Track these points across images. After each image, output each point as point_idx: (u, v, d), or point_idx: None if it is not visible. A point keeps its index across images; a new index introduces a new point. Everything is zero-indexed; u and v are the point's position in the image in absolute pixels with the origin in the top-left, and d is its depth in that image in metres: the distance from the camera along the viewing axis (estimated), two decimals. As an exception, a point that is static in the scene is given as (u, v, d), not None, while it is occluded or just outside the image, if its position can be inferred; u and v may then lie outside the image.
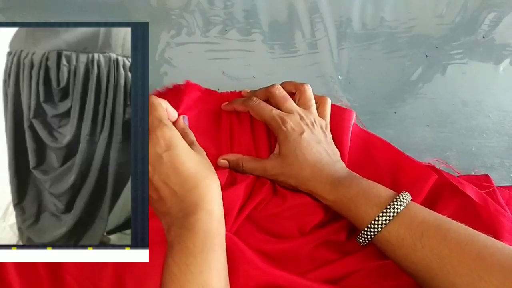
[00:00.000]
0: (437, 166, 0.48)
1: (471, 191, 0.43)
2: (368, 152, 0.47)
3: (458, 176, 0.48)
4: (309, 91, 0.45)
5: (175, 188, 0.35)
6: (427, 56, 0.53)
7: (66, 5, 0.49)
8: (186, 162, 0.36)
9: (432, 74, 0.53)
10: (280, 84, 0.46)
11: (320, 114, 0.46)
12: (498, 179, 0.50)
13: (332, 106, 0.47)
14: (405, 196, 0.37)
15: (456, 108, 0.52)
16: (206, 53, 0.51)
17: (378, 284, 0.39)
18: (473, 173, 0.51)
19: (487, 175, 0.47)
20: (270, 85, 0.45)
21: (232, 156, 0.45)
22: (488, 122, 0.53)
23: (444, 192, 0.45)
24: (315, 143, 0.42)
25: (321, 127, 0.44)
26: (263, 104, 0.44)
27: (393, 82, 0.52)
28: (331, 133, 0.45)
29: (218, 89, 0.50)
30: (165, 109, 0.39)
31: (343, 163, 0.43)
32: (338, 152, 0.44)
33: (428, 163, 0.48)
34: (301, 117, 0.43)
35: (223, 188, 0.43)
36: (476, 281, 0.32)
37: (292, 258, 0.41)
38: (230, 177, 0.44)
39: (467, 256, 0.33)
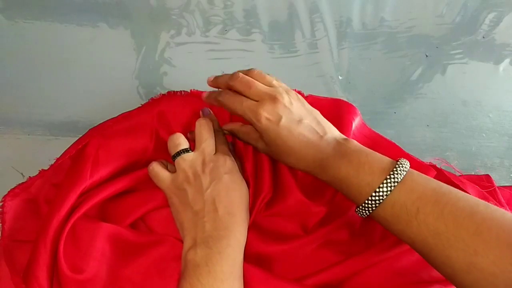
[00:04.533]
0: (438, 165, 0.48)
1: (472, 190, 0.43)
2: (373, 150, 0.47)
3: (459, 176, 0.48)
4: (258, 70, 0.42)
5: (219, 206, 0.38)
6: (427, 56, 0.53)
7: (66, 5, 0.49)
8: (238, 190, 0.40)
9: (432, 74, 0.53)
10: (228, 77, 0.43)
11: (268, 85, 0.42)
12: (498, 179, 0.50)
13: (334, 99, 0.47)
14: (400, 168, 0.35)
15: (456, 108, 0.52)
16: (206, 53, 0.51)
17: (382, 284, 0.39)
18: (473, 173, 0.51)
19: (488, 175, 0.47)
20: (230, 76, 0.42)
21: (233, 124, 0.45)
22: (488, 122, 0.52)
23: None
24: (295, 125, 0.39)
25: (297, 96, 0.42)
26: (233, 97, 0.41)
27: (393, 82, 0.52)
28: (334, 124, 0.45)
29: (218, 89, 0.50)
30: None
31: (331, 130, 0.40)
32: (320, 115, 0.42)
33: (430, 162, 0.48)
34: (274, 102, 0.40)
35: None
36: (472, 256, 0.31)
37: (294, 259, 0.41)
38: None
39: (464, 232, 0.32)
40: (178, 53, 0.50)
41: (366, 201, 0.35)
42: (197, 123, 0.42)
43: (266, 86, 0.41)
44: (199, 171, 0.40)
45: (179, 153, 0.41)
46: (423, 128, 0.52)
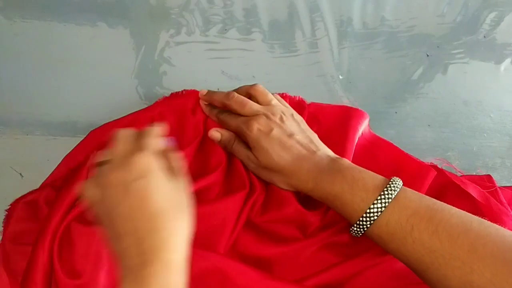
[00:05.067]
0: (439, 166, 0.47)
1: (473, 191, 0.43)
2: (372, 153, 0.47)
3: (461, 176, 0.48)
4: (261, 87, 0.44)
5: (139, 224, 0.31)
6: (428, 55, 0.52)
7: (65, 4, 0.49)
8: (155, 195, 0.32)
9: (433, 74, 0.52)
10: (231, 91, 0.45)
11: (267, 103, 0.43)
12: (500, 179, 0.50)
13: (346, 107, 0.48)
14: (394, 185, 0.35)
15: (457, 107, 0.52)
16: (206, 52, 0.50)
17: (383, 285, 0.39)
18: (474, 173, 0.50)
19: (489, 175, 0.47)
20: (225, 95, 0.43)
21: (227, 133, 0.44)
22: (489, 122, 0.52)
23: (446, 192, 0.45)
24: (286, 138, 0.40)
25: (292, 116, 0.43)
26: (228, 116, 0.43)
27: (394, 81, 0.52)
28: (335, 132, 0.45)
29: (218, 89, 0.50)
30: (155, 136, 0.35)
31: (323, 148, 0.41)
32: (316, 136, 0.43)
33: (431, 162, 0.48)
34: (267, 116, 0.41)
35: (219, 197, 0.43)
36: (469, 274, 0.31)
37: (294, 262, 0.41)
38: (226, 184, 0.44)
39: (459, 249, 0.31)
40: (177, 53, 0.50)
41: (361, 218, 0.35)
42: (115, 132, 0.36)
43: (260, 105, 0.42)
44: (104, 187, 0.32)
45: (97, 166, 0.35)
46: (424, 128, 0.51)
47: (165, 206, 0.32)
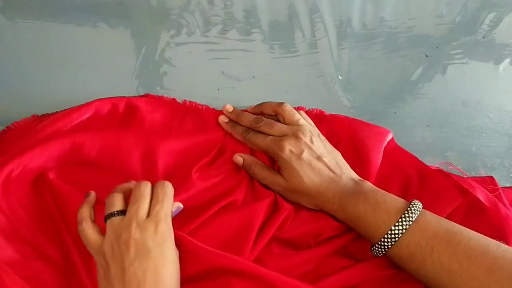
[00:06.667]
0: (445, 169, 0.47)
1: (481, 194, 0.43)
2: (395, 162, 0.46)
3: (466, 178, 0.48)
4: (289, 107, 0.44)
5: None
6: (427, 56, 0.53)
7: (66, 5, 0.49)
8: (168, 265, 0.34)
9: (432, 74, 0.52)
10: (257, 106, 0.46)
11: (294, 123, 0.44)
12: (499, 179, 0.49)
13: (366, 123, 0.47)
14: (414, 208, 0.37)
15: (456, 108, 0.52)
16: (206, 53, 0.50)
17: None
18: (473, 174, 0.51)
19: (491, 177, 0.47)
20: (255, 120, 0.44)
21: (248, 157, 0.44)
22: (488, 122, 0.52)
23: None
24: (316, 161, 0.41)
25: (319, 136, 0.44)
26: (255, 136, 0.44)
27: (393, 82, 0.52)
28: (359, 149, 0.45)
29: (218, 89, 0.50)
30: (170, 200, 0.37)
31: (348, 171, 0.42)
32: (339, 156, 0.43)
33: (437, 167, 0.48)
34: (296, 137, 0.42)
35: (244, 203, 0.43)
36: None
37: (307, 266, 0.41)
38: (251, 193, 0.44)
39: (477, 270, 0.33)
40: (178, 53, 0.50)
41: (382, 239, 0.37)
42: (135, 184, 0.38)
43: (287, 126, 0.43)
44: (123, 241, 0.34)
45: (110, 216, 0.36)
46: (423, 128, 0.52)
47: (171, 276, 0.34)
